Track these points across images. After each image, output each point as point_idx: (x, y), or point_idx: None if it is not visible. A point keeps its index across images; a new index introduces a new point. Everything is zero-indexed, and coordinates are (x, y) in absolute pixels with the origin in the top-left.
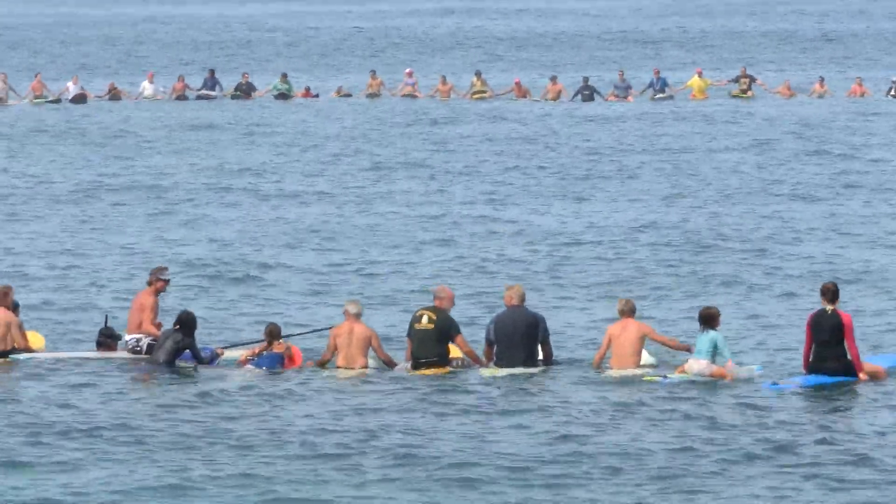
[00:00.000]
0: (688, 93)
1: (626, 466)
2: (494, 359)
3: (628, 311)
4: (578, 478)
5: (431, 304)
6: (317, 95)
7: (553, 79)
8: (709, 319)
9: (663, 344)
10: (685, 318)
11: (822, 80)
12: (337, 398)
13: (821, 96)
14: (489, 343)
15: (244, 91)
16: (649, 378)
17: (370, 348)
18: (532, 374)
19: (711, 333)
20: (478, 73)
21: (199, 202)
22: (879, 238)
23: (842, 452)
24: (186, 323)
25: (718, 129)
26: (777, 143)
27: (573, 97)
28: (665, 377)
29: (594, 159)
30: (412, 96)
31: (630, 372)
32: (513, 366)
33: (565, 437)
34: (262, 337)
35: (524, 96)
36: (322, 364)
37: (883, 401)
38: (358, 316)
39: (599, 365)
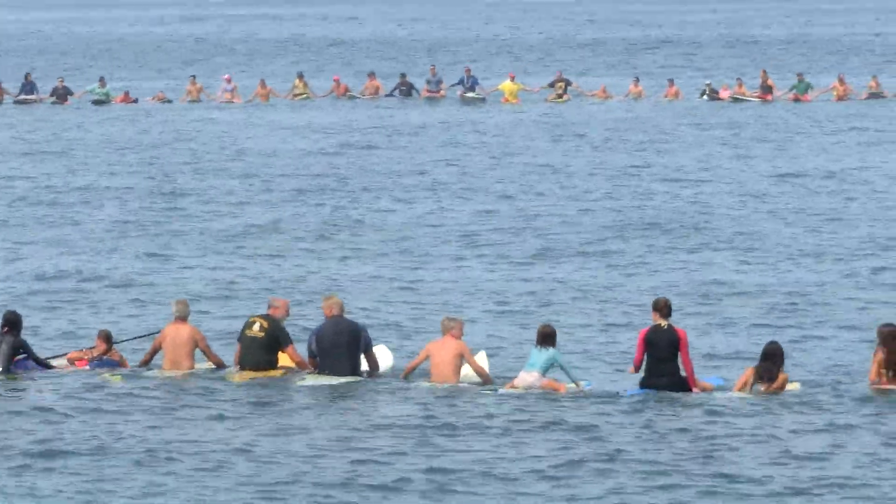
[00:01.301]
0: (500, 95)
1: (454, 479)
2: (318, 370)
3: (449, 329)
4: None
5: (265, 312)
6: (135, 100)
7: (371, 75)
8: (546, 337)
9: (473, 368)
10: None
11: (636, 80)
12: (161, 402)
13: (636, 98)
14: (312, 355)
15: (60, 95)
16: (483, 391)
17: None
18: (355, 384)
19: (550, 351)
20: (300, 75)
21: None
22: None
23: (677, 457)
24: (15, 322)
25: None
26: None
27: (391, 92)
28: (496, 390)
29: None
30: (230, 103)
31: (450, 385)
32: (336, 376)
33: (382, 451)
34: (95, 343)
35: (344, 94)
36: (144, 364)
37: (719, 409)
38: (184, 317)
39: (408, 375)
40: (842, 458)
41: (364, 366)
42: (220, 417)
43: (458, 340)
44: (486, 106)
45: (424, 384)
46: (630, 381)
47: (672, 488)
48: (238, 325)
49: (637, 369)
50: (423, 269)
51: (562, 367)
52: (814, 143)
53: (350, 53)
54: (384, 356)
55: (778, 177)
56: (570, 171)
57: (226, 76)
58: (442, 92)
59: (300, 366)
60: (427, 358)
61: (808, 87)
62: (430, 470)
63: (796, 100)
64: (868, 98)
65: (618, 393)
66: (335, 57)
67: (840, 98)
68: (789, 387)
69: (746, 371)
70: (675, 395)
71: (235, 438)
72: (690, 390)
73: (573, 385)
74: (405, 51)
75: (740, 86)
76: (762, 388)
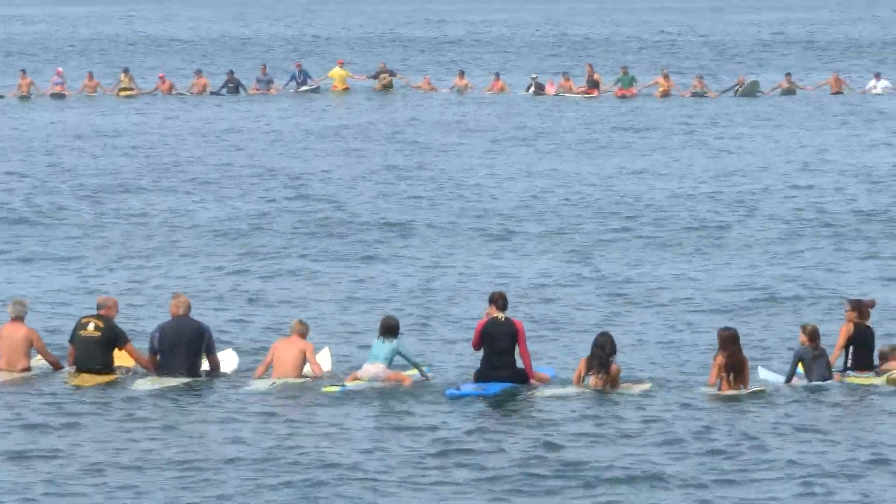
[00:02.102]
0: (331, 84)
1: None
2: (159, 368)
3: (296, 331)
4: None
5: (96, 313)
6: None
7: (198, 73)
8: (389, 329)
9: (311, 367)
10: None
11: (461, 73)
12: None
13: (460, 91)
14: (153, 352)
15: None
16: (327, 388)
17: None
18: (194, 384)
19: (394, 342)
20: (125, 70)
21: None
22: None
23: (523, 456)
24: None
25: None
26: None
27: (219, 90)
28: (343, 385)
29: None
30: (61, 95)
31: (291, 381)
32: (175, 375)
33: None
34: None
35: (169, 91)
36: None
37: (550, 404)
38: (21, 317)
39: (261, 376)
40: (671, 459)
41: (206, 366)
42: (57, 420)
43: (304, 340)
44: (315, 99)
45: (266, 381)
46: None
47: (498, 482)
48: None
49: (478, 349)
50: (254, 267)
51: (406, 358)
52: (635, 140)
53: (178, 51)
54: (231, 360)
55: (601, 173)
56: (398, 166)
57: (58, 69)
58: (273, 90)
59: (140, 362)
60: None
61: (632, 80)
62: (268, 467)
63: (622, 94)
64: (691, 96)
65: (458, 387)
66: (160, 53)
67: (664, 94)
68: (639, 386)
69: (580, 363)
70: (510, 389)
71: (69, 442)
72: (529, 381)
73: (419, 375)
74: (231, 49)
75: (567, 80)
76: (592, 379)
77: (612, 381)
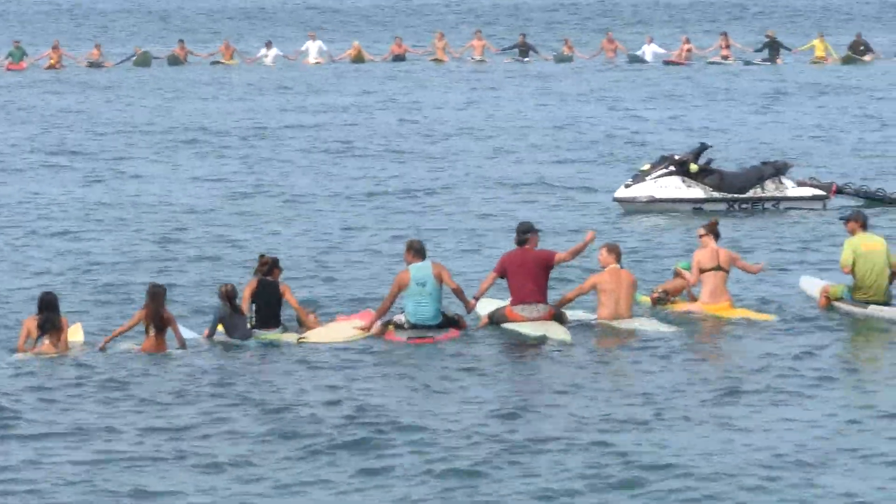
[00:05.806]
0: None
1: None
2: None
3: None
4: None
5: None
6: None
7: None
8: None
9: None
10: None
11: None
12: None
13: None
14: None
15: None
16: None
17: None
18: None
19: None
20: None
21: None
22: None
23: None
24: None
25: None
26: None
27: None
28: None
29: None
30: None
31: None
32: None
33: None
34: None
35: None
36: None
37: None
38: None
39: None
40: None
41: None
42: None
43: None
44: None
45: None
46: None
47: None
48: None
49: None
50: None
51: None
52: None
53: None
54: None
55: None
56: None
57: None
58: None
59: None
60: None
61: (23, 54)
62: None
63: (11, 68)
64: (88, 66)
65: None
66: None
67: (50, 66)
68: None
69: (25, 324)
70: None
71: None
72: None
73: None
74: None
75: None
76: (46, 342)
77: (65, 341)
